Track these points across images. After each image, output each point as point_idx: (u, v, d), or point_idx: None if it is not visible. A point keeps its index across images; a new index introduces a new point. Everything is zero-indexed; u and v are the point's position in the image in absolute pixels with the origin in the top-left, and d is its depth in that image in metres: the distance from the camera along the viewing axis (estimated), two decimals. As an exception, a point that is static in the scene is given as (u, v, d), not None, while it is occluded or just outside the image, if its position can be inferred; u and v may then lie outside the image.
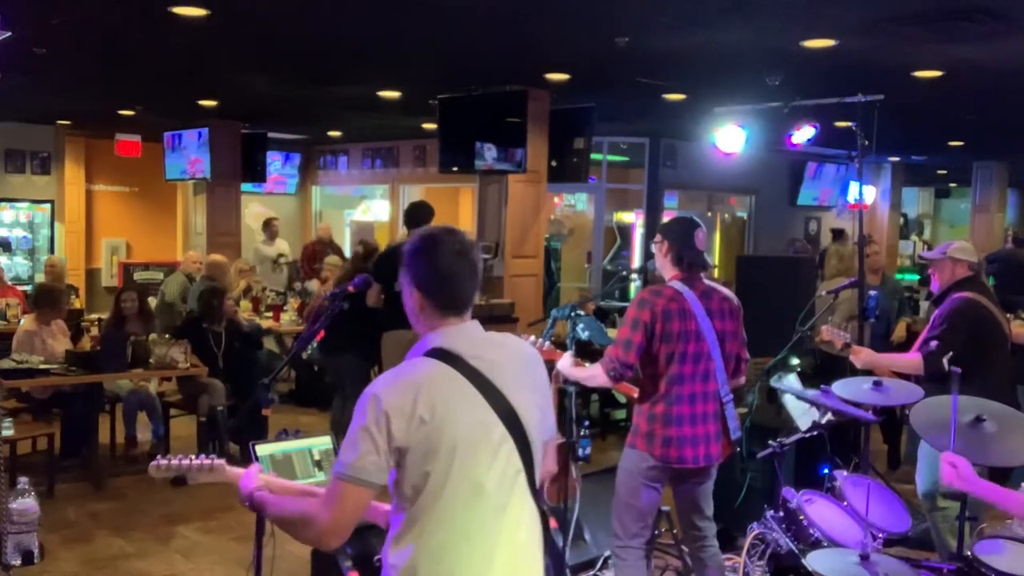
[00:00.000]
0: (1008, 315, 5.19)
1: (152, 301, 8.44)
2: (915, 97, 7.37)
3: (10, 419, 5.67)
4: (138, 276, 12.45)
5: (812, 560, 3.13)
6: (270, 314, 9.02)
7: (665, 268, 3.75)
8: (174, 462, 2.44)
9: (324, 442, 3.10)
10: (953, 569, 3.26)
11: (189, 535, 5.40)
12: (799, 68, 6.27)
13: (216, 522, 5.57)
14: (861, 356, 4.46)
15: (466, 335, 2.11)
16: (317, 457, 3.06)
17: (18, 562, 4.72)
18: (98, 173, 13.39)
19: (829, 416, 4.21)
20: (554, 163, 8.09)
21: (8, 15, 4.97)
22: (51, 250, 12.47)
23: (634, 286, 10.00)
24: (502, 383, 2.06)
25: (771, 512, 3.88)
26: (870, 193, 14.42)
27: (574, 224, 12.49)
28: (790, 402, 4.70)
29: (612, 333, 7.34)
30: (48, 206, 12.63)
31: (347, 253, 12.61)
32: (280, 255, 11.27)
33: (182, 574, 4.89)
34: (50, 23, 5.60)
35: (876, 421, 4.62)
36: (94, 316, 9.61)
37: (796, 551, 3.61)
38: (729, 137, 7.07)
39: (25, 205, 12.52)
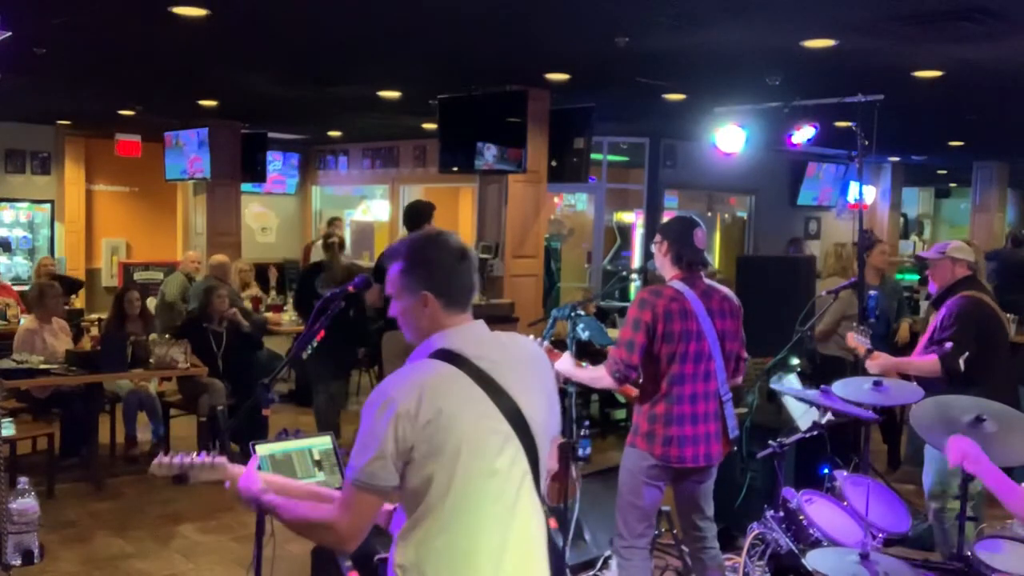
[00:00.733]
0: (1009, 315, 5.20)
1: (152, 301, 8.44)
2: (915, 97, 7.37)
3: (10, 419, 5.67)
4: (138, 276, 12.45)
5: (812, 560, 3.13)
6: (270, 314, 9.02)
7: (665, 268, 3.75)
8: (176, 460, 2.44)
9: (324, 442, 3.11)
10: (953, 569, 3.26)
11: (189, 535, 5.40)
12: (799, 68, 6.27)
13: (216, 522, 5.57)
14: (878, 362, 4.44)
15: (471, 335, 2.10)
16: (317, 457, 3.06)
17: (18, 562, 4.72)
18: (98, 173, 13.39)
19: (829, 416, 4.21)
20: (554, 163, 8.09)
21: (8, 15, 4.97)
22: (51, 250, 12.47)
23: (634, 286, 10.01)
24: (507, 383, 2.06)
25: (771, 512, 3.87)
26: (870, 193, 14.42)
27: (574, 224, 12.49)
28: (790, 402, 4.70)
29: (612, 333, 7.35)
30: (48, 206, 12.63)
31: (347, 253, 12.64)
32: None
33: (182, 574, 4.89)
34: (50, 23, 5.61)
35: (877, 420, 4.63)
36: (94, 316, 9.60)
37: (796, 551, 3.61)
38: (729, 137, 7.06)
39: (25, 205, 12.52)
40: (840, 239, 11.42)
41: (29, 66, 6.93)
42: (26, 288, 9.00)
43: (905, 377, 4.34)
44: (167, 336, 6.69)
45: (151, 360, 6.42)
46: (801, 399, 4.40)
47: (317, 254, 10.21)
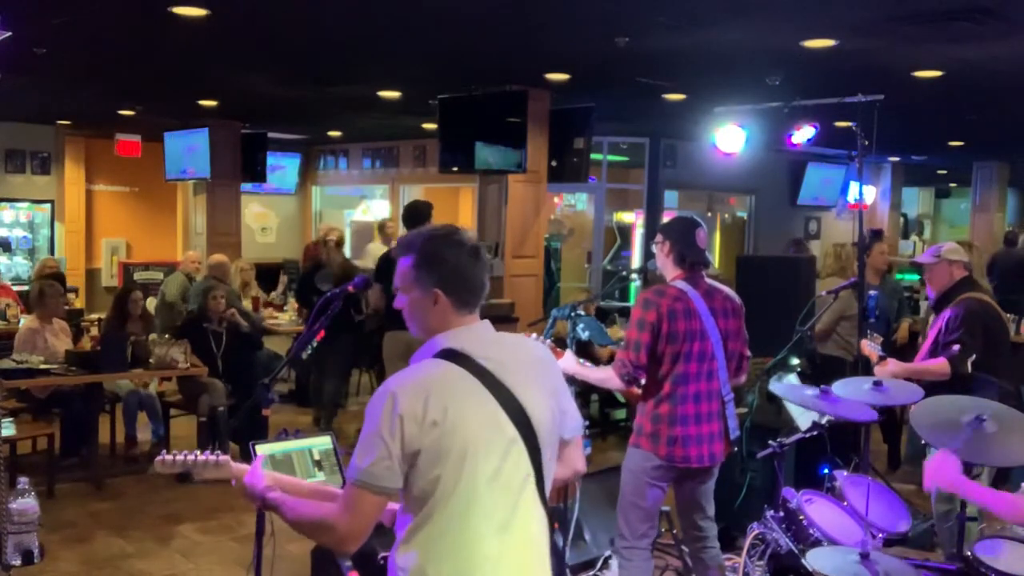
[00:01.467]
0: (1009, 315, 5.21)
1: (152, 301, 8.44)
2: (915, 97, 7.37)
3: (10, 419, 5.67)
4: (138, 276, 12.44)
5: (812, 560, 3.13)
6: (268, 311, 9.03)
7: (667, 268, 3.75)
8: (179, 457, 2.42)
9: (324, 442, 3.10)
10: (953, 569, 3.26)
11: (189, 535, 5.40)
12: (799, 68, 6.27)
13: (216, 522, 5.57)
14: (889, 369, 4.43)
15: (477, 335, 2.09)
16: (317, 457, 3.06)
17: (18, 562, 4.72)
18: (98, 173, 13.39)
19: (829, 416, 4.21)
20: (554, 163, 8.08)
21: (8, 15, 4.97)
22: (51, 250, 12.47)
23: (634, 286, 10.01)
24: (513, 384, 2.05)
25: (771, 512, 3.87)
26: (870, 193, 14.42)
27: (574, 224, 12.49)
28: (790, 402, 4.70)
29: (612, 333, 7.35)
30: (48, 206, 12.64)
31: (347, 254, 12.64)
32: None
33: (182, 574, 4.89)
34: (50, 23, 5.61)
35: (877, 420, 4.62)
36: (94, 316, 9.61)
37: (796, 551, 3.61)
38: (729, 137, 7.06)
39: (25, 205, 12.53)
40: (840, 239, 11.43)
41: (29, 66, 6.93)
42: (26, 288, 9.00)
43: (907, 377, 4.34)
44: (167, 336, 6.70)
45: (151, 360, 6.42)
46: (799, 403, 4.40)
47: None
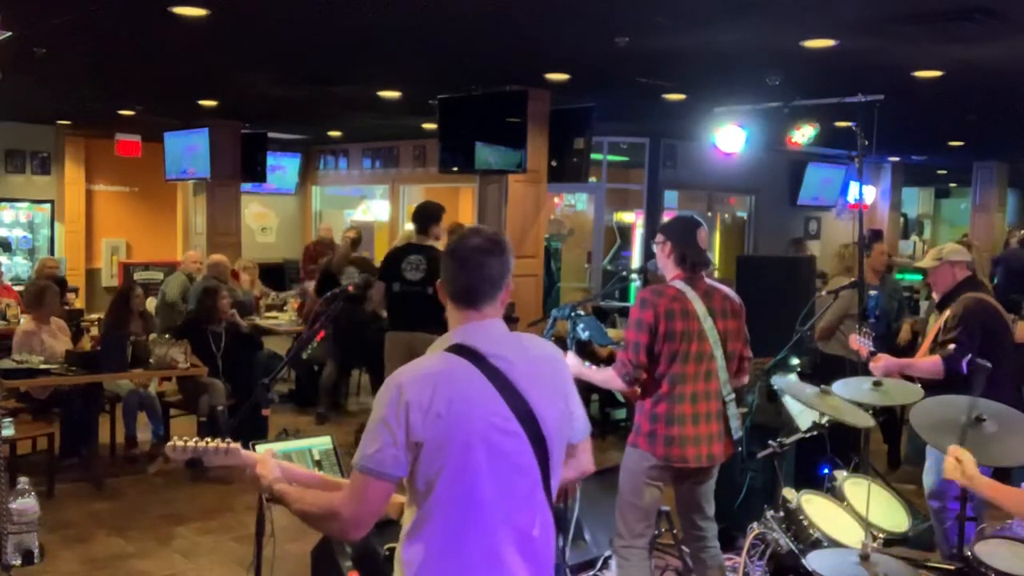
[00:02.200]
0: (1011, 315, 5.20)
1: (152, 301, 8.44)
2: (915, 97, 7.37)
3: (10, 419, 5.67)
4: (138, 276, 12.44)
5: (812, 560, 3.13)
6: (271, 314, 9.04)
7: (667, 268, 3.75)
8: (191, 444, 2.45)
9: (324, 442, 3.11)
10: (953, 569, 3.26)
11: (189, 535, 5.40)
12: (799, 68, 6.27)
13: (216, 522, 5.57)
14: (881, 364, 4.44)
15: (486, 332, 2.12)
16: (317, 457, 3.06)
17: (18, 562, 4.72)
18: (98, 173, 13.39)
19: (829, 416, 4.21)
20: (554, 163, 8.08)
21: (8, 15, 4.97)
22: (51, 250, 12.47)
23: (634, 286, 10.00)
24: (520, 382, 2.07)
25: (771, 512, 3.87)
26: (870, 193, 14.42)
27: (574, 224, 12.49)
28: (790, 402, 4.70)
29: (612, 333, 7.35)
30: (48, 206, 12.64)
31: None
32: None
33: (182, 574, 4.89)
34: (50, 23, 5.60)
35: (877, 420, 4.63)
36: (94, 316, 9.60)
37: (796, 551, 3.61)
38: (729, 137, 7.07)
39: (25, 205, 12.53)
40: (840, 239, 11.43)
41: (29, 66, 6.93)
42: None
43: (908, 378, 4.34)
44: (167, 336, 6.70)
45: (151, 360, 6.42)
46: (800, 400, 4.40)
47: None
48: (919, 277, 12.71)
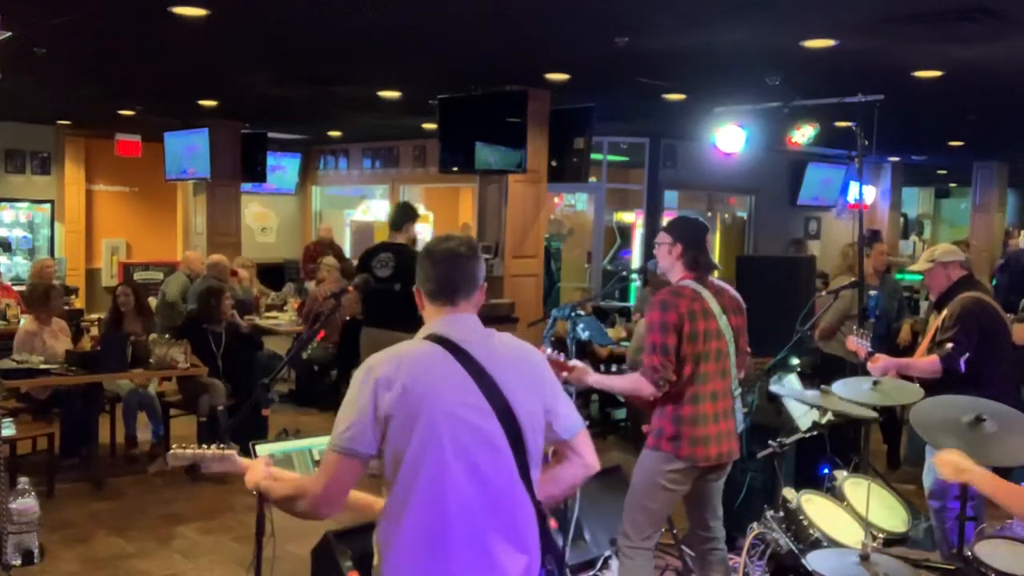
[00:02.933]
0: (1009, 315, 5.21)
1: (152, 301, 8.45)
2: (915, 97, 7.37)
3: (10, 419, 5.67)
4: (138, 276, 12.44)
5: (812, 560, 3.13)
6: (271, 314, 9.04)
7: (674, 269, 3.70)
8: (189, 451, 2.59)
9: (324, 442, 3.10)
10: (953, 569, 3.26)
11: (189, 535, 5.40)
12: (799, 68, 6.27)
13: (216, 522, 5.57)
14: (879, 364, 4.44)
15: (461, 324, 2.20)
16: (317, 457, 3.06)
17: (18, 562, 4.72)
18: (98, 173, 13.39)
19: (829, 416, 4.21)
20: (554, 163, 8.09)
21: (8, 15, 4.97)
22: (51, 250, 12.47)
23: (634, 286, 10.00)
24: (494, 370, 2.12)
25: (771, 512, 3.87)
26: (870, 193, 14.42)
27: (574, 224, 12.49)
28: (790, 402, 4.70)
29: (612, 333, 7.35)
30: (48, 206, 12.63)
31: (348, 253, 12.65)
32: None
33: (182, 574, 4.89)
34: (50, 23, 5.61)
35: (877, 420, 4.63)
36: (94, 316, 9.60)
37: (796, 551, 3.61)
38: (729, 137, 7.07)
39: (25, 205, 12.52)
40: (840, 239, 11.43)
41: (29, 66, 6.93)
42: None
43: (907, 377, 4.34)
44: (167, 336, 6.69)
45: (151, 360, 6.42)
46: (800, 401, 4.40)
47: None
48: (919, 277, 12.72)
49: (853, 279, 5.67)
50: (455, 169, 7.84)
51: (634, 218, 12.25)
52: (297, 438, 3.07)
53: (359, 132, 12.65)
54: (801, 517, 3.72)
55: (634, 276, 8.70)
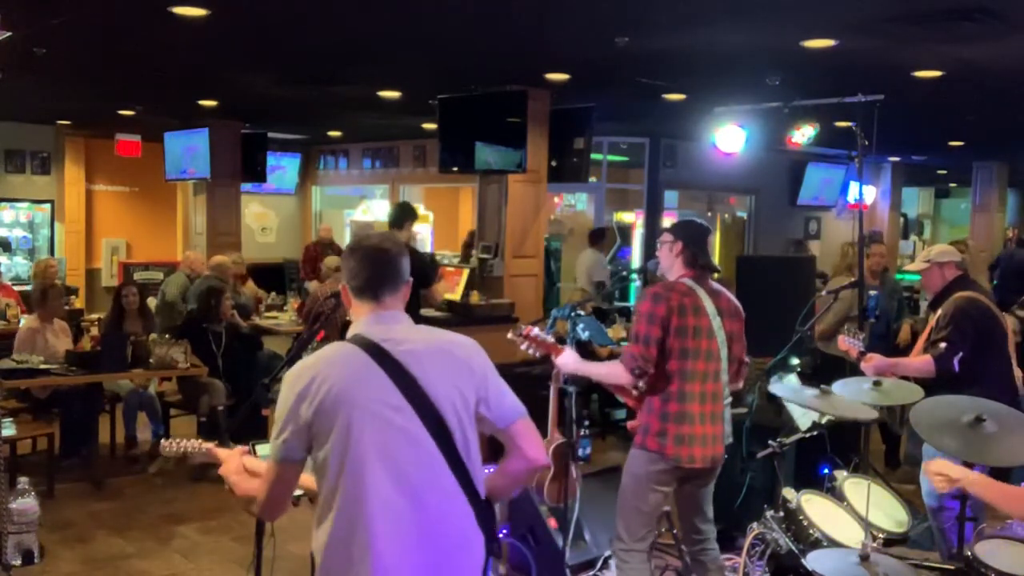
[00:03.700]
0: (1005, 313, 5.20)
1: (152, 301, 8.45)
2: (915, 97, 7.37)
3: (10, 419, 5.67)
4: (138, 276, 12.44)
5: (812, 560, 3.13)
6: (271, 314, 9.04)
7: (674, 268, 3.73)
8: (181, 444, 2.87)
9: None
10: (953, 569, 3.26)
11: (189, 535, 5.40)
12: (799, 68, 6.27)
13: (216, 522, 5.57)
14: (872, 364, 4.44)
15: (385, 323, 2.23)
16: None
17: (18, 562, 4.73)
18: (98, 173, 13.39)
19: (829, 416, 4.21)
20: (554, 163, 8.08)
21: (8, 15, 4.97)
22: (51, 250, 12.46)
23: (634, 286, 10.00)
24: (417, 369, 2.14)
25: (771, 512, 3.87)
26: (870, 193, 14.42)
27: (574, 224, 12.49)
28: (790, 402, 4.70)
29: (612, 333, 7.35)
30: (48, 206, 12.63)
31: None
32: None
33: (182, 574, 4.89)
34: (50, 23, 5.60)
35: (876, 421, 4.62)
36: (94, 316, 9.60)
37: (796, 551, 3.61)
38: (729, 137, 7.06)
39: (25, 205, 12.52)
40: (840, 239, 11.42)
41: (29, 66, 6.93)
42: (27, 288, 9.00)
43: (905, 377, 4.34)
44: (167, 336, 6.70)
45: (151, 360, 6.42)
46: (800, 405, 4.40)
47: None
48: (919, 277, 12.72)
49: (852, 279, 5.67)
50: (455, 169, 7.83)
51: (634, 218, 12.25)
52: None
53: (359, 132, 12.64)
54: (801, 517, 3.72)
55: (634, 276, 8.70)
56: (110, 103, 9.65)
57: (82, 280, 12.69)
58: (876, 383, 3.95)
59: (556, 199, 12.47)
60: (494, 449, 2.39)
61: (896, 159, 14.22)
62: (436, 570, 2.11)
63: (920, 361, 4.40)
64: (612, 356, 7.18)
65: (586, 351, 6.85)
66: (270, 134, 11.46)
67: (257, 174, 11.26)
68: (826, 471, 4.26)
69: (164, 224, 13.45)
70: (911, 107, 7.83)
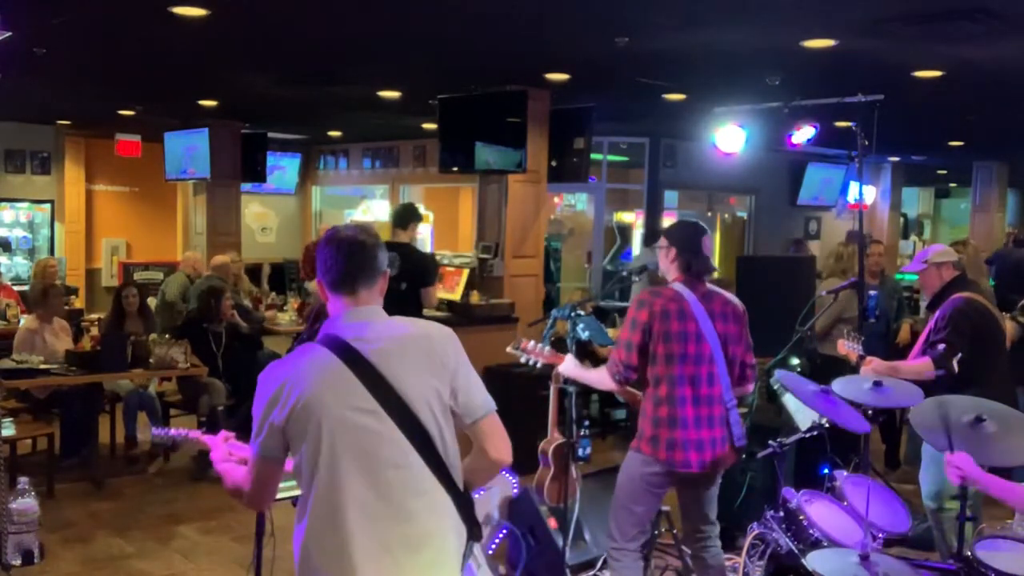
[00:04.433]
0: (1004, 313, 5.20)
1: (152, 301, 8.45)
2: (915, 97, 7.37)
3: (10, 419, 5.67)
4: (138, 276, 12.44)
5: (812, 560, 3.13)
6: (270, 314, 9.02)
7: (670, 272, 3.75)
8: (168, 433, 3.01)
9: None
10: (953, 569, 3.26)
11: (189, 535, 5.40)
12: (799, 68, 6.27)
13: (216, 522, 5.57)
14: (872, 367, 4.44)
15: (358, 320, 2.22)
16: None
17: (18, 562, 4.73)
18: (98, 173, 13.38)
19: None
20: (554, 163, 8.08)
21: (8, 15, 4.97)
22: (51, 250, 12.46)
23: (635, 287, 9.99)
24: (387, 368, 2.14)
25: (771, 512, 3.87)
26: (870, 193, 14.41)
27: (574, 224, 12.49)
28: (790, 402, 4.70)
29: (612, 333, 7.35)
30: (48, 206, 12.62)
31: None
32: None
33: (182, 574, 4.89)
34: (50, 23, 5.60)
35: (876, 422, 4.63)
36: (94, 316, 9.61)
37: (796, 551, 3.61)
38: (729, 137, 7.06)
39: (25, 205, 12.51)
40: (841, 239, 11.41)
41: (29, 66, 6.93)
42: (26, 288, 9.00)
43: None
44: (167, 336, 6.70)
45: (151, 360, 6.42)
46: (801, 400, 4.40)
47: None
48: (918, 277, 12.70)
49: (845, 280, 5.68)
50: (455, 169, 7.83)
51: (634, 218, 12.25)
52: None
53: (359, 132, 12.64)
54: (801, 517, 3.72)
55: (634, 277, 8.71)
56: (110, 103, 9.65)
57: (82, 280, 12.69)
58: (876, 383, 3.95)
59: (556, 199, 12.47)
60: None
61: (896, 159, 14.22)
62: (412, 568, 2.13)
63: (919, 363, 4.39)
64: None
65: (586, 351, 6.85)
66: (270, 134, 11.46)
67: (257, 174, 11.27)
68: (826, 471, 4.26)
69: (164, 224, 13.45)
70: (911, 107, 7.83)
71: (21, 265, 12.42)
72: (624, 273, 10.26)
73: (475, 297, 7.45)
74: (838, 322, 6.04)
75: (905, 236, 17.78)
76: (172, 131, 10.92)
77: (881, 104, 5.35)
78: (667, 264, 3.74)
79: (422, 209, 8.34)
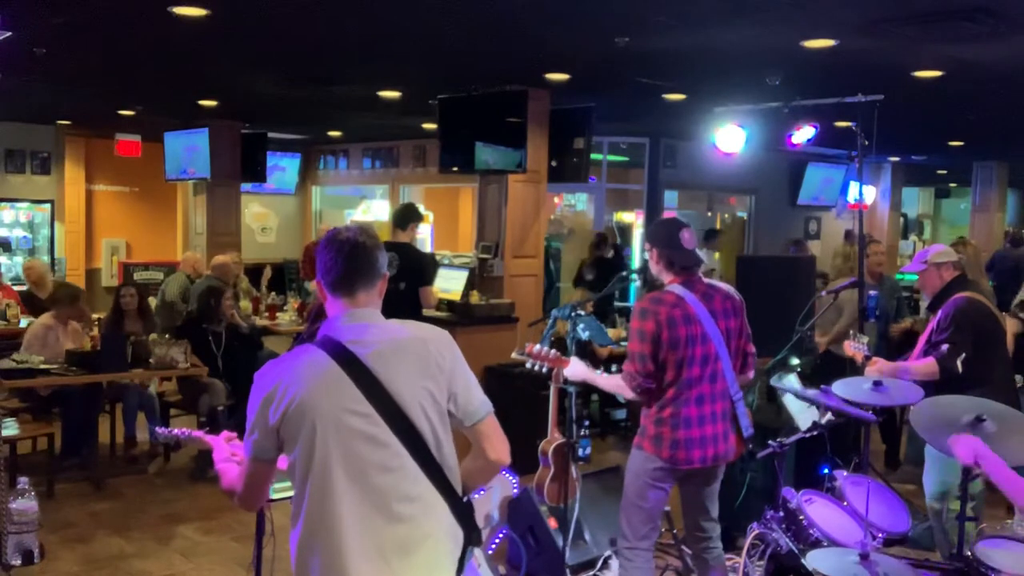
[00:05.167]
0: (1003, 313, 5.21)
1: (152, 301, 8.45)
2: (915, 97, 7.37)
3: (10, 419, 5.67)
4: (138, 276, 12.45)
5: (812, 560, 3.13)
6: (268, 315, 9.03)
7: (662, 274, 3.74)
8: (174, 432, 3.02)
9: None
10: (953, 569, 3.26)
11: (189, 535, 5.40)
12: (799, 68, 6.27)
13: (216, 522, 5.57)
14: (877, 367, 4.44)
15: (355, 322, 2.21)
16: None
17: (18, 562, 4.72)
18: (98, 173, 13.39)
19: (829, 416, 4.22)
20: (554, 163, 8.08)
21: (8, 15, 4.97)
22: (51, 250, 12.47)
23: (634, 286, 10.00)
24: (382, 371, 2.13)
25: (771, 512, 3.88)
26: (870, 193, 14.42)
27: (574, 224, 12.49)
28: (790, 402, 4.70)
29: (612, 333, 7.35)
30: (48, 206, 12.63)
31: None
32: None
33: (182, 574, 4.89)
34: (50, 23, 5.61)
35: (876, 421, 4.63)
36: (94, 316, 9.60)
37: (796, 551, 3.61)
38: (729, 137, 7.06)
39: (25, 205, 12.52)
40: (840, 239, 11.41)
41: (29, 66, 6.93)
42: (25, 288, 9.00)
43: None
44: (167, 336, 6.70)
45: (151, 360, 6.42)
46: (801, 398, 4.40)
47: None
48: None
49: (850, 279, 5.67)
50: (455, 169, 7.83)
51: (634, 218, 12.25)
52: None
53: (359, 132, 12.64)
54: (801, 517, 3.72)
55: (634, 276, 8.69)
56: (110, 103, 9.65)
57: (82, 280, 12.67)
58: (876, 383, 3.96)
59: (556, 199, 12.47)
60: None
61: (896, 159, 14.22)
62: (406, 572, 2.12)
63: (923, 364, 4.39)
64: (612, 356, 7.21)
65: (586, 351, 6.86)
66: (270, 134, 11.46)
67: (257, 174, 11.26)
68: (826, 471, 4.26)
69: (164, 224, 13.46)
70: (911, 107, 7.83)
71: (21, 265, 12.41)
72: (624, 273, 10.27)
73: (475, 297, 7.46)
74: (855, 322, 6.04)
75: (905, 236, 17.78)
76: (172, 131, 10.92)
77: (881, 104, 5.35)
78: (657, 268, 3.73)
79: (422, 209, 8.37)
